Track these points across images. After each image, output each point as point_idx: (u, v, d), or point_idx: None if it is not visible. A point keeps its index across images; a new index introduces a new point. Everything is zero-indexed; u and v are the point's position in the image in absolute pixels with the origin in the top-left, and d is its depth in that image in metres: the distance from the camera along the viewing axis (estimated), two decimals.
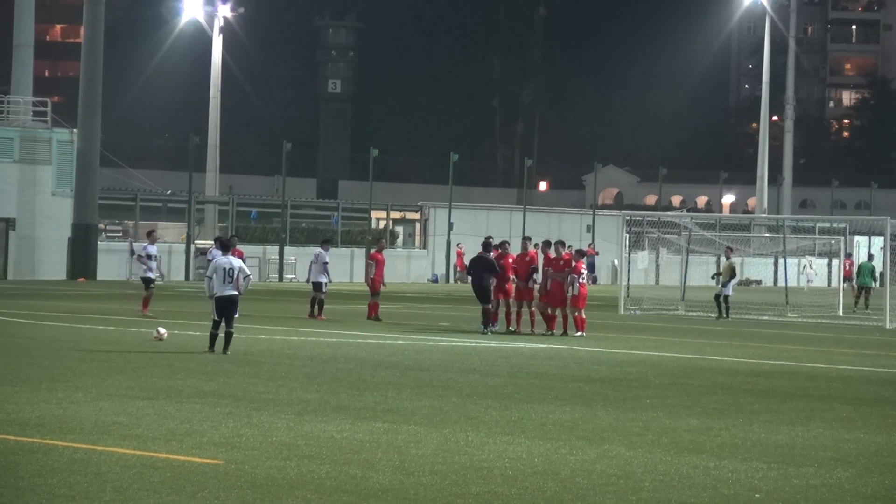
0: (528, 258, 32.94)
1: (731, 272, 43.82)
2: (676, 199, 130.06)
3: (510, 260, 32.87)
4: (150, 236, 37.38)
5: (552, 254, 33.07)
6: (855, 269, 55.16)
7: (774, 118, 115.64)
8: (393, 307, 38.32)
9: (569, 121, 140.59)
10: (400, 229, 78.98)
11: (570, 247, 36.35)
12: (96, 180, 64.09)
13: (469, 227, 73.23)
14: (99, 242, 64.56)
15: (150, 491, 11.73)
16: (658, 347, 29.53)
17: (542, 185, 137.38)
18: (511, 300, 32.77)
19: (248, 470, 12.81)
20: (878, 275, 54.37)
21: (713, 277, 46.26)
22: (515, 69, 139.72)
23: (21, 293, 47.95)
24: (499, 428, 15.97)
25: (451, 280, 71.75)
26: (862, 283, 52.61)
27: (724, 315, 42.95)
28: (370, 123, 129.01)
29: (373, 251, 38.77)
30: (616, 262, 71.76)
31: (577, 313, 32.04)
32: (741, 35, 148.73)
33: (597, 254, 75.15)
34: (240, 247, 38.00)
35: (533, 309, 32.75)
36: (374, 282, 36.81)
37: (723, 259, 46.57)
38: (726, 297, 43.24)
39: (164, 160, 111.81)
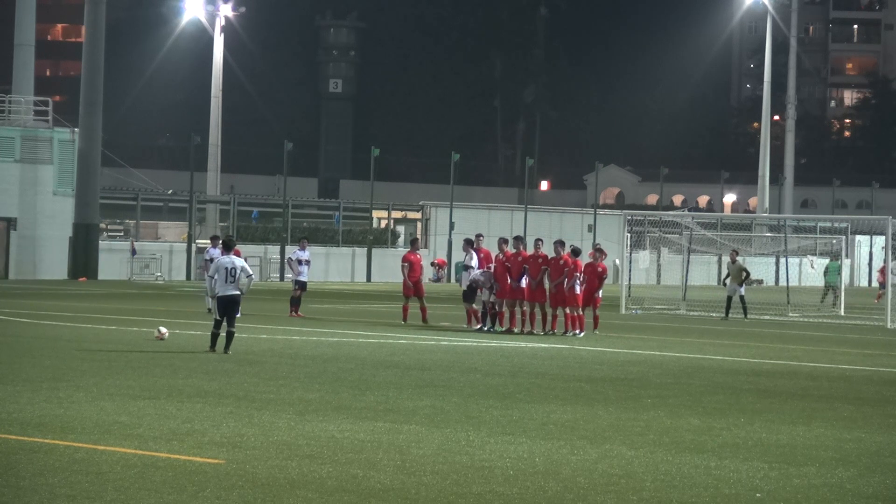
0: (520, 258, 32.87)
1: (741, 272, 43.88)
2: (678, 199, 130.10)
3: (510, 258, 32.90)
4: (301, 243, 39.62)
5: (544, 253, 33.06)
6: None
7: (776, 118, 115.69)
8: (394, 307, 38.36)
9: (570, 120, 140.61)
10: (401, 229, 79.01)
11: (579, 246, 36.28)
12: (97, 180, 64.12)
13: (470, 226, 73.15)
14: (100, 242, 64.60)
15: (152, 490, 11.74)
16: (659, 347, 29.53)
17: (544, 185, 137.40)
18: (515, 300, 32.80)
19: (250, 469, 12.81)
20: (843, 274, 54.56)
21: (723, 284, 46.20)
22: (517, 69, 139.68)
23: (22, 293, 47.97)
24: (500, 427, 15.97)
25: (452, 279, 71.79)
26: (829, 282, 52.96)
27: (744, 315, 43.08)
28: (371, 123, 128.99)
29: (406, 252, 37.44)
30: (617, 261, 71.76)
31: (576, 313, 32.08)
32: (742, 35, 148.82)
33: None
34: (239, 246, 38.28)
35: (525, 308, 32.77)
36: (407, 284, 35.26)
37: (727, 261, 46.56)
38: (741, 296, 43.40)
39: (166, 160, 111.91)
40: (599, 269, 33.40)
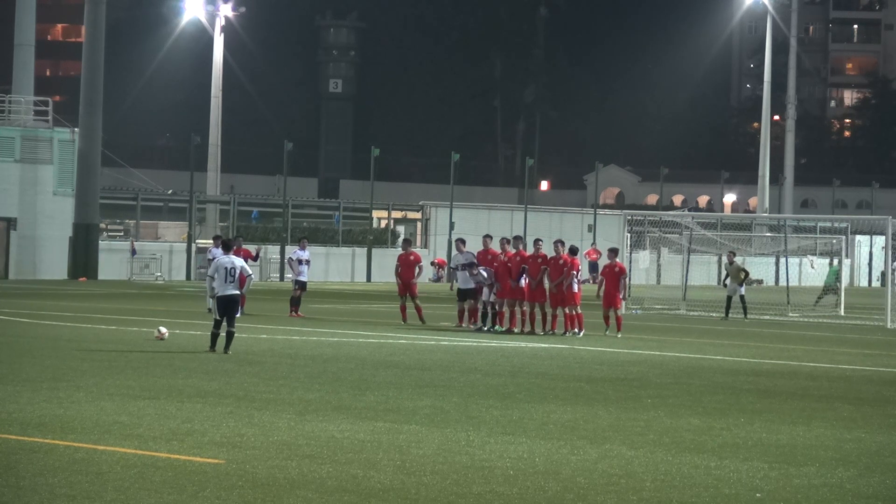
0: (518, 258, 32.92)
1: (740, 272, 43.92)
2: (678, 199, 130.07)
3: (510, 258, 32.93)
4: (301, 243, 39.84)
5: (544, 253, 33.09)
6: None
7: (776, 118, 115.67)
8: (393, 307, 38.37)
9: (570, 120, 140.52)
10: (401, 229, 78.99)
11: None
12: (97, 180, 64.11)
13: (470, 226, 73.17)
14: (100, 242, 64.59)
15: (152, 490, 11.74)
16: (659, 347, 29.53)
17: (544, 185, 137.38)
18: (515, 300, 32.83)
19: (250, 469, 12.81)
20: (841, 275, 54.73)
21: (724, 285, 46.19)
22: (517, 69, 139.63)
23: (22, 293, 47.97)
24: (500, 427, 15.97)
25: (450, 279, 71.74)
26: (827, 284, 53.21)
27: (744, 315, 43.09)
28: (371, 123, 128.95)
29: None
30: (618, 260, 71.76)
31: (575, 312, 32.09)
32: (742, 35, 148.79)
33: (599, 254, 75.04)
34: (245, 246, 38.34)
35: (525, 308, 32.80)
36: (400, 284, 35.52)
37: (726, 262, 46.68)
38: (742, 296, 43.44)
39: (166, 160, 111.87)
40: (617, 269, 33.42)
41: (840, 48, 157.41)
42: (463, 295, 33.74)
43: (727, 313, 43.31)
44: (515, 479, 12.73)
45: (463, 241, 34.65)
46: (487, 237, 34.50)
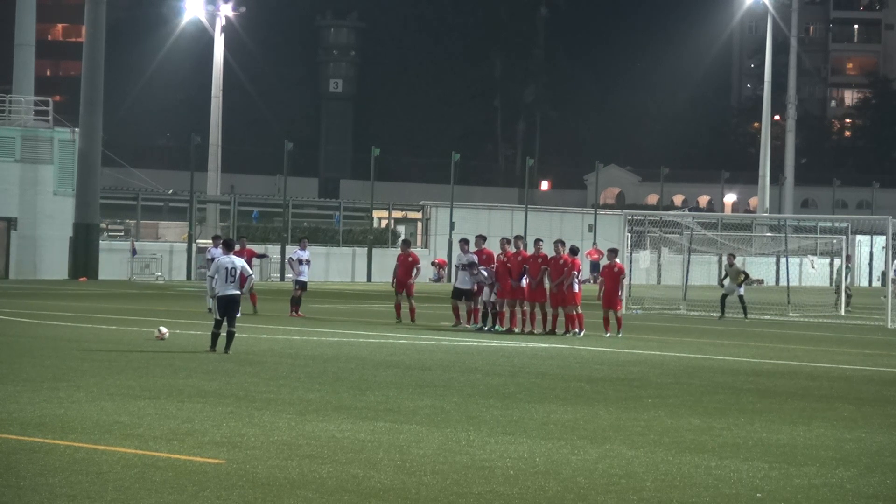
0: (519, 258, 32.97)
1: (739, 274, 43.99)
2: (678, 199, 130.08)
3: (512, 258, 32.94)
4: (302, 243, 40.04)
5: (544, 253, 33.11)
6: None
7: (776, 118, 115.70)
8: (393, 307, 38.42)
9: (570, 120, 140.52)
10: (401, 229, 79.00)
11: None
12: (98, 180, 64.12)
13: (471, 226, 73.18)
14: (100, 242, 64.60)
15: (152, 490, 11.73)
16: (660, 347, 29.53)
17: (544, 185, 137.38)
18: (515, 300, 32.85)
19: (250, 469, 12.80)
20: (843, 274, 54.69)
21: (721, 284, 46.22)
22: (517, 69, 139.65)
23: (22, 293, 47.97)
24: (500, 427, 15.97)
25: (453, 279, 71.77)
26: (836, 283, 53.26)
27: (744, 315, 43.13)
28: (372, 123, 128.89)
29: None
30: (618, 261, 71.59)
31: (575, 312, 32.08)
32: (743, 35, 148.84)
33: (601, 254, 75.00)
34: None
35: (525, 308, 32.82)
36: (397, 282, 35.92)
37: (726, 263, 46.75)
38: (741, 296, 43.50)
39: (166, 159, 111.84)
40: (616, 270, 33.35)
41: (840, 48, 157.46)
42: (458, 294, 33.88)
43: (723, 312, 43.39)
44: (516, 479, 12.73)
45: (466, 242, 34.67)
46: (480, 238, 34.58)
